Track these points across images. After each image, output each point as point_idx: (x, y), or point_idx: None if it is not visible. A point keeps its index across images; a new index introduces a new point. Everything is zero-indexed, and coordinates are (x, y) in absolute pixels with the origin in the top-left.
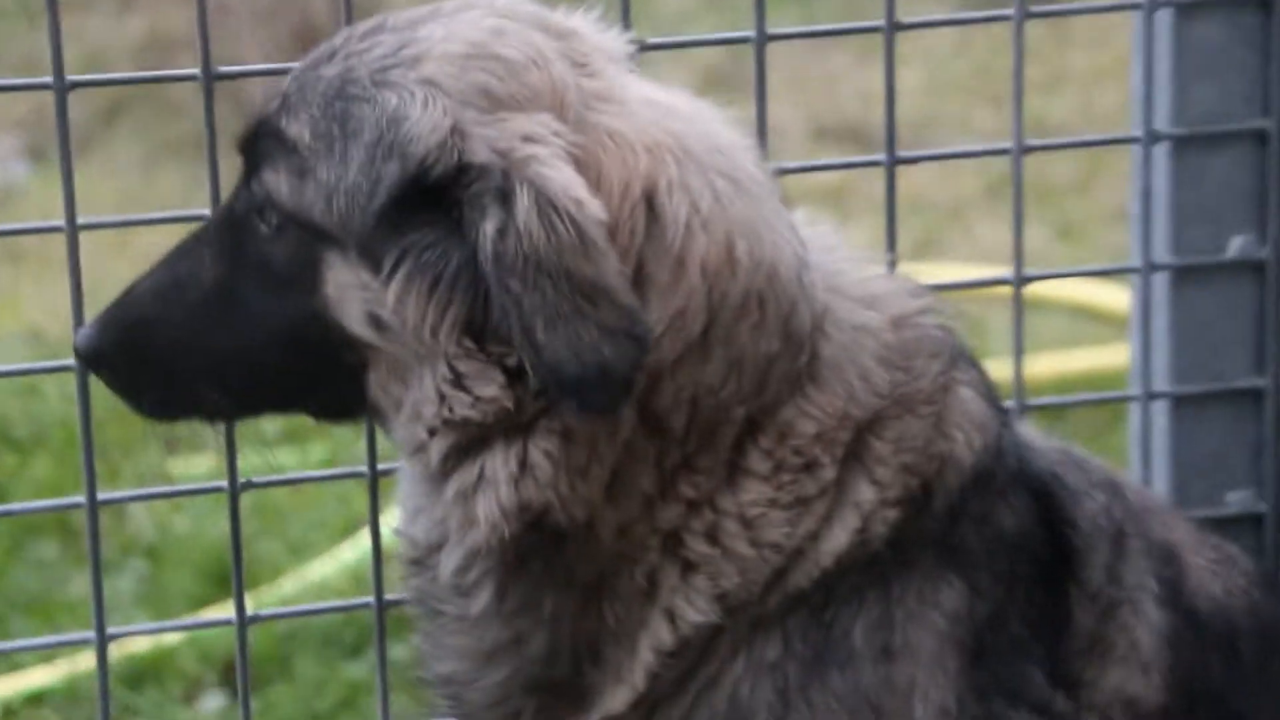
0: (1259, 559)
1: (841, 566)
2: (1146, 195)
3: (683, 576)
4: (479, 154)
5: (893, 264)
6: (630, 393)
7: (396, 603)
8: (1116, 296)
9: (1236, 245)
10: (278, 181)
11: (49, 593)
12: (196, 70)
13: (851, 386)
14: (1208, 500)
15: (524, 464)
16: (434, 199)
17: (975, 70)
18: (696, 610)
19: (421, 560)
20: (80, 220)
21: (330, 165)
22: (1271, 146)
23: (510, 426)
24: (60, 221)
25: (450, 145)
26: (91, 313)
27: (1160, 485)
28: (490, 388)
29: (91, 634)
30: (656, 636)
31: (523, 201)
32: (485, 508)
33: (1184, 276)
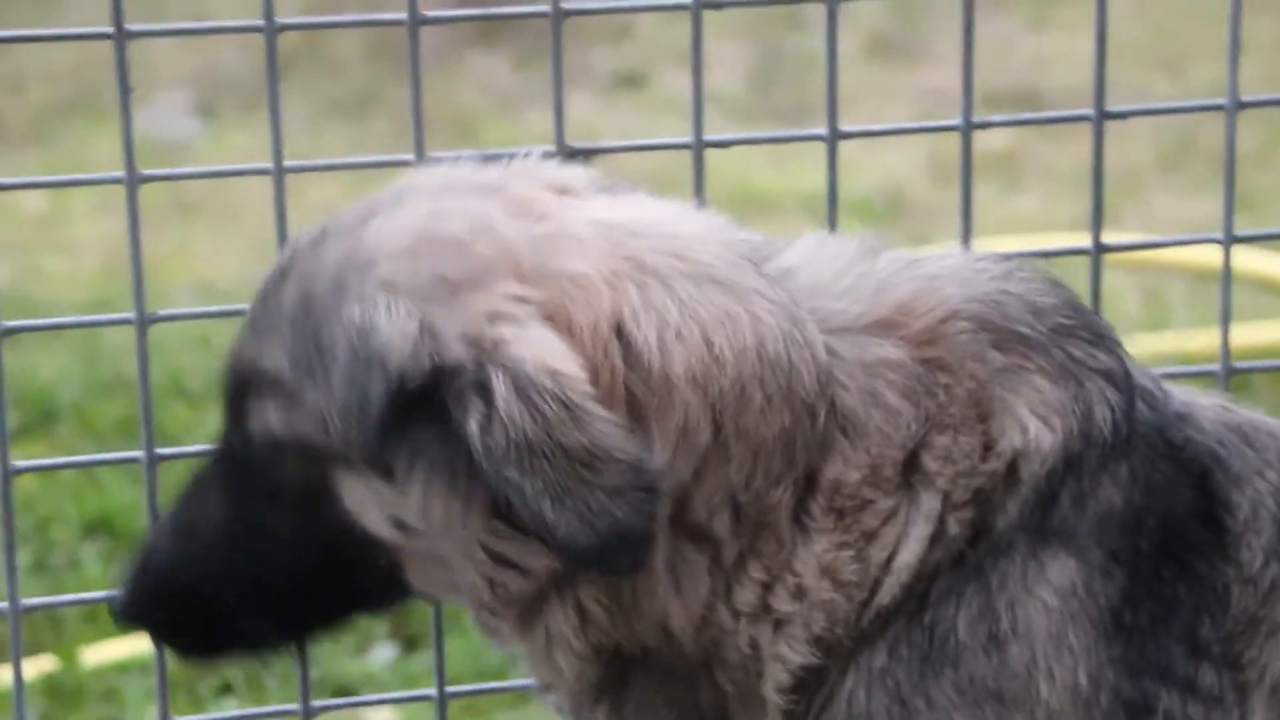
0: None
1: (924, 575)
2: None
3: (776, 631)
4: (451, 350)
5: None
6: (652, 545)
7: None
8: None
9: None
10: (268, 413)
11: None
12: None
13: (882, 431)
14: None
15: (582, 614)
16: (426, 399)
17: (1151, 36)
18: (798, 654)
19: (543, 691)
20: (286, 164)
21: (315, 389)
22: None
23: (559, 578)
24: (267, 164)
25: (422, 350)
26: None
27: None
28: (535, 559)
29: None
30: (776, 679)
31: (500, 390)
32: (565, 661)
33: None
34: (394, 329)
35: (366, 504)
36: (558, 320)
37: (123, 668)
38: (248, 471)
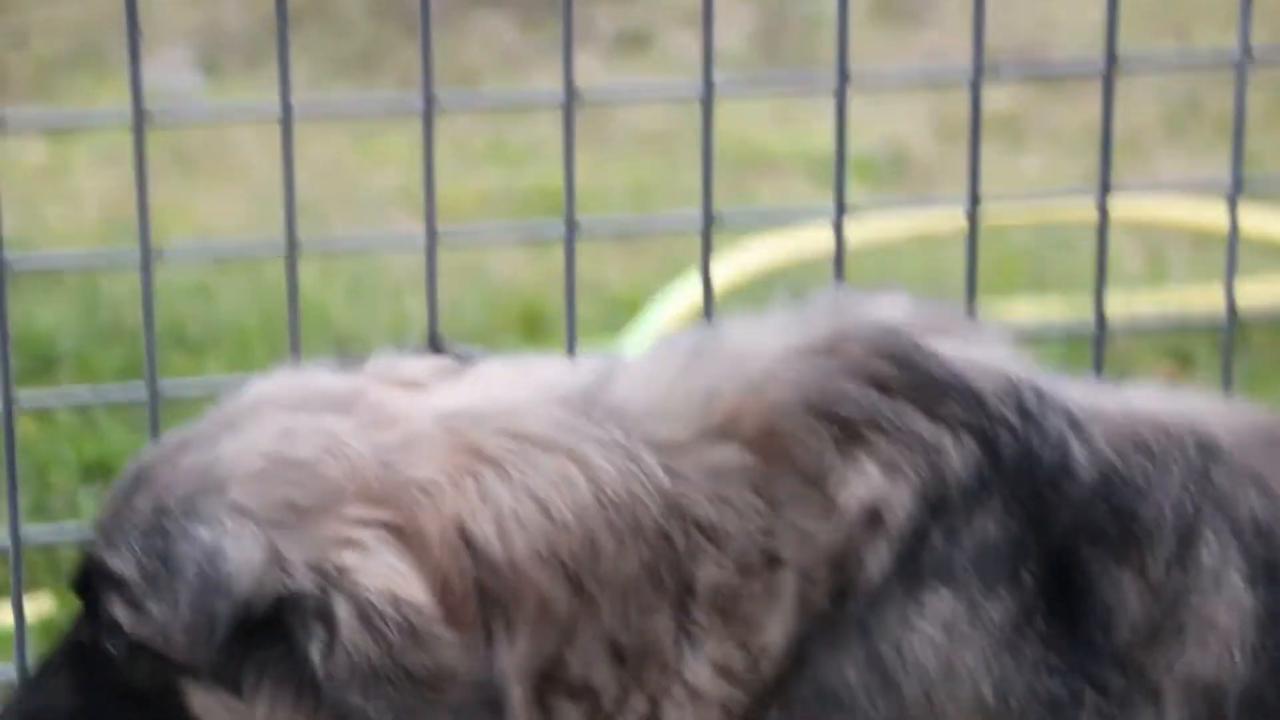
0: None
1: (800, 640)
2: None
3: None
4: (296, 578)
5: None
6: None
7: None
8: None
9: None
10: (117, 613)
11: None
12: None
13: (741, 528)
14: None
15: None
16: (271, 622)
17: (1155, 2)
18: None
19: None
20: (295, 110)
21: (162, 604)
22: None
23: None
24: (274, 110)
25: (268, 577)
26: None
27: None
28: None
29: None
30: None
31: (343, 617)
32: None
33: None
34: (241, 555)
35: (215, 714)
36: (407, 534)
37: None
38: (96, 666)
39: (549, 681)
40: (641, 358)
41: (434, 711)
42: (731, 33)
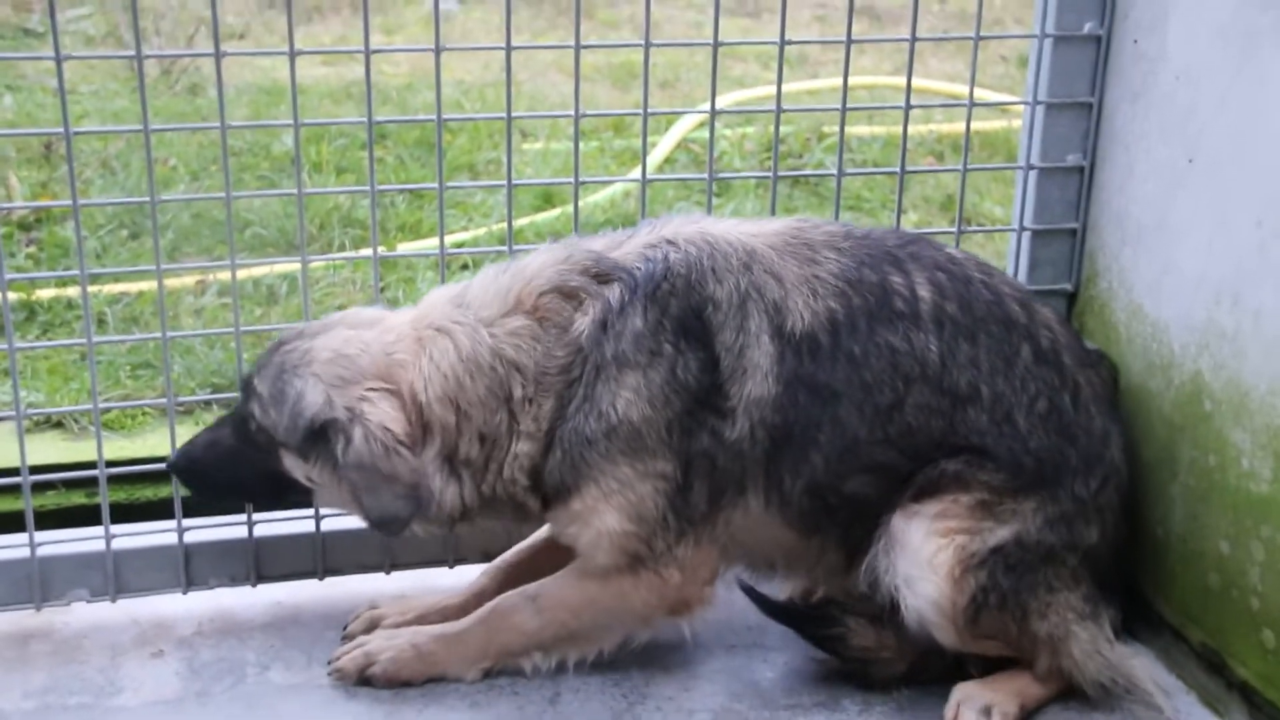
0: None
1: (557, 412)
2: None
3: (514, 482)
4: (338, 411)
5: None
6: (409, 523)
7: None
8: None
9: None
10: (254, 409)
11: None
12: None
13: (532, 359)
14: None
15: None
16: (324, 431)
17: None
18: (526, 480)
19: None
20: (514, 43)
21: (275, 413)
22: None
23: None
24: (499, 44)
25: (325, 409)
26: None
27: None
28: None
29: None
30: (528, 500)
31: (358, 433)
32: (432, 526)
33: None
34: (313, 397)
35: (294, 467)
36: (400, 395)
37: None
38: (244, 428)
39: (452, 460)
40: (482, 274)
41: (385, 493)
42: None
